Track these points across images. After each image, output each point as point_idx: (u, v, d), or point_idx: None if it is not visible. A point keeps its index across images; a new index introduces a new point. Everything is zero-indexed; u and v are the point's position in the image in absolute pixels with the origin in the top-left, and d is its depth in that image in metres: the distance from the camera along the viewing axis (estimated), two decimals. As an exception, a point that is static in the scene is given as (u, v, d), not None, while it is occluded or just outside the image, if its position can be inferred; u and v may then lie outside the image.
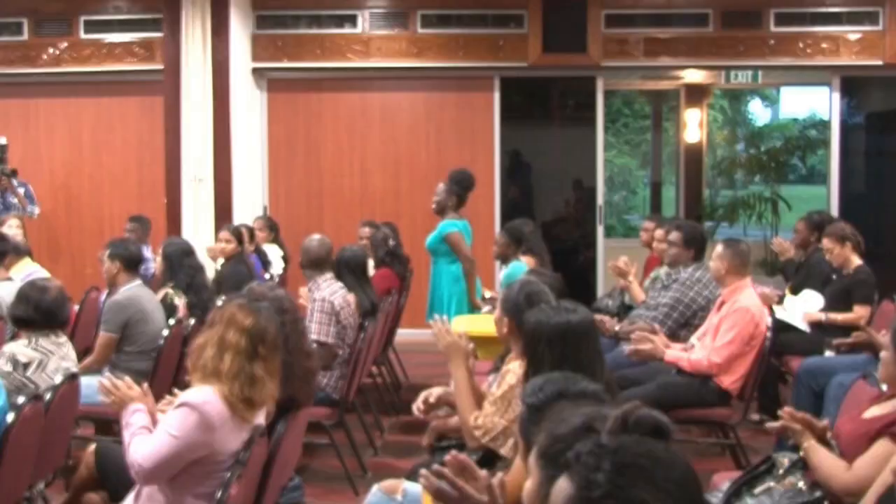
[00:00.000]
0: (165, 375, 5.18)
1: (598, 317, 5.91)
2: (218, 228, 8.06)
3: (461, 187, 7.11)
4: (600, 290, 9.77)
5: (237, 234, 7.10)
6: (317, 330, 5.26)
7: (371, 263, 6.88)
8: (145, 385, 3.46)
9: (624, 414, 1.55)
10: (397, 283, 7.28)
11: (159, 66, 9.29)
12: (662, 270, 6.26)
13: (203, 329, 3.30)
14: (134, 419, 3.25)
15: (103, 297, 6.54)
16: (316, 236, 5.69)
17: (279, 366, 3.30)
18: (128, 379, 3.40)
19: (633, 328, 5.72)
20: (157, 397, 3.60)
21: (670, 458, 1.44)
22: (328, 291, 5.42)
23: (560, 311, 3.17)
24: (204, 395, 3.14)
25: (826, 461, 3.21)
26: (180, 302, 5.78)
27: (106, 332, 5.33)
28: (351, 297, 5.77)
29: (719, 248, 5.18)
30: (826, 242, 6.32)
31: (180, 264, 5.95)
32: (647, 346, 5.05)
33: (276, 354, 3.28)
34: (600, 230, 10.01)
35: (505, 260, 6.87)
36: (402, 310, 7.56)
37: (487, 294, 7.18)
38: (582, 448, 1.45)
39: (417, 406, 3.96)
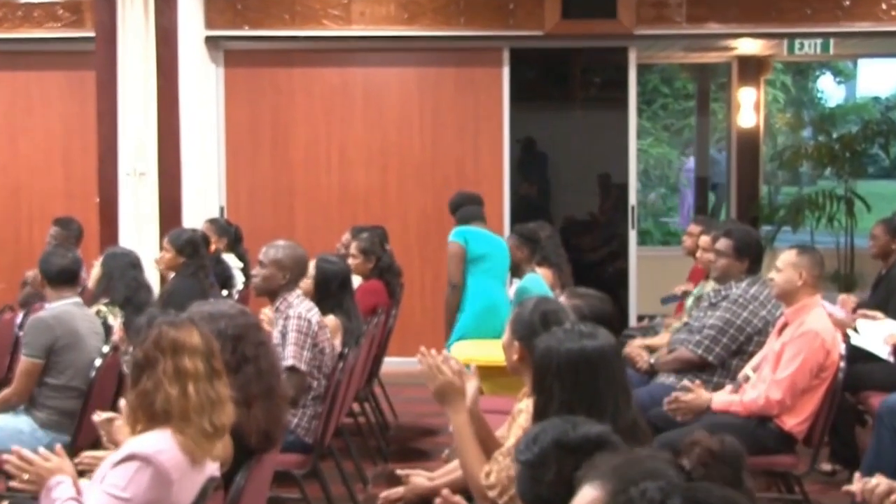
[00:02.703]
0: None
1: (628, 350, 5.94)
2: (163, 234, 8.06)
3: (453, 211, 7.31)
4: (632, 309, 9.78)
5: (182, 243, 7.04)
6: (293, 353, 5.25)
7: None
8: (58, 447, 3.42)
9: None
10: (385, 300, 7.29)
11: (90, 34, 9.27)
12: (709, 286, 6.26)
13: (135, 370, 3.26)
14: (58, 493, 3.21)
15: (19, 318, 6.55)
16: (281, 242, 5.68)
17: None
18: (42, 450, 3.34)
19: (671, 359, 5.72)
20: (87, 442, 3.59)
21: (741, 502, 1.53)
22: (303, 308, 5.42)
23: (573, 336, 3.17)
24: (156, 444, 3.12)
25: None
26: (116, 322, 5.78)
27: (28, 357, 5.31)
28: (332, 320, 5.78)
29: (791, 255, 5.17)
30: None
31: (121, 275, 5.97)
32: (687, 395, 5.06)
33: (221, 364, 3.31)
34: (632, 236, 10.02)
35: (516, 270, 6.88)
36: (390, 333, 7.57)
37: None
38: (648, 486, 1.54)
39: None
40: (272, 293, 5.50)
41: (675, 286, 7.72)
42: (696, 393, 5.08)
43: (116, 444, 3.44)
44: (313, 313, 5.44)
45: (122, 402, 3.46)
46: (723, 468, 1.86)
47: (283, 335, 5.31)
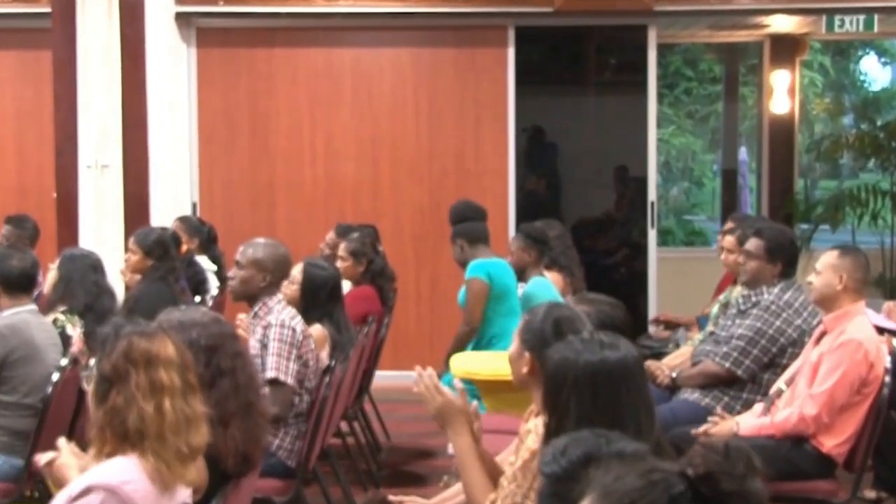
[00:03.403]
0: (53, 437, 5.14)
1: (649, 363, 5.93)
2: (128, 234, 8.06)
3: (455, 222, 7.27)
4: (652, 316, 9.77)
5: (151, 244, 7.05)
6: (275, 364, 5.23)
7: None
8: (60, 441, 3.45)
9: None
10: (377, 307, 7.29)
11: (45, 9, 9.27)
12: (736, 291, 6.26)
13: (101, 385, 3.24)
14: None
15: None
16: (261, 240, 5.68)
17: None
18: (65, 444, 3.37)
19: (695, 373, 5.72)
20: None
21: None
22: (286, 315, 5.41)
23: (593, 346, 3.16)
24: (120, 473, 3.10)
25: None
26: (75, 332, 5.78)
27: (-24, 369, 5.32)
28: (318, 330, 5.77)
29: (832, 256, 5.18)
30: None
31: (80, 279, 5.96)
32: (715, 428, 5.08)
33: (196, 378, 3.29)
34: (652, 235, 10.03)
35: (522, 274, 6.87)
36: (382, 344, 7.57)
37: None
38: None
39: None
40: (251, 297, 5.48)
41: (703, 304, 7.70)
42: (720, 423, 5.10)
43: (65, 482, 3.41)
44: (297, 321, 5.42)
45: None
46: (726, 464, 1.88)
47: (263, 345, 5.29)
